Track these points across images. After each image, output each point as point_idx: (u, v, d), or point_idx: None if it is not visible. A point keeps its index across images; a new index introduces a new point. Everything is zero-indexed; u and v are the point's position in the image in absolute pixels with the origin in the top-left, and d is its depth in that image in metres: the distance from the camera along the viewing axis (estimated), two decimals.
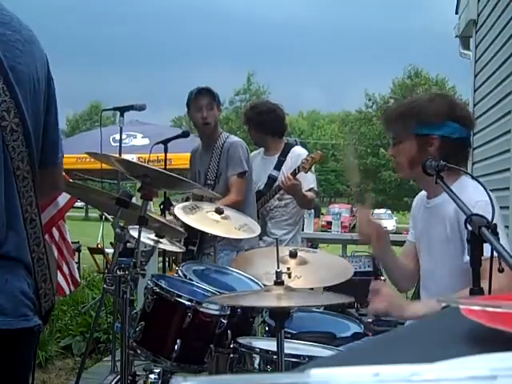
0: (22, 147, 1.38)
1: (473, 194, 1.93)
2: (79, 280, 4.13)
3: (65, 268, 3.78)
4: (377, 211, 34.61)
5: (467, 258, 1.52)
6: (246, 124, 4.10)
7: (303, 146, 4.36)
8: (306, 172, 3.60)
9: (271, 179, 3.90)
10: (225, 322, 2.27)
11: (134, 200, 2.26)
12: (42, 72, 1.47)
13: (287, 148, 3.96)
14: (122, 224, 2.14)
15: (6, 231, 1.35)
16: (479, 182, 1.89)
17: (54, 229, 3.61)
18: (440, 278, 2.13)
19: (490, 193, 1.74)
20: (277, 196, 3.83)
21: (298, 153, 3.89)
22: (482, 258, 1.46)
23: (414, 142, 2.14)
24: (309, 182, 3.80)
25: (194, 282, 2.52)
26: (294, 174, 3.58)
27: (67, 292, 3.94)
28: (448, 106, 2.15)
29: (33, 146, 1.42)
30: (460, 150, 2.14)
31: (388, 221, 32.41)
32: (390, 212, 34.22)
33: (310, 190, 3.80)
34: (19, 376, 1.44)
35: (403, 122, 2.17)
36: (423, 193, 2.35)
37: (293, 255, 2.49)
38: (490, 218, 1.52)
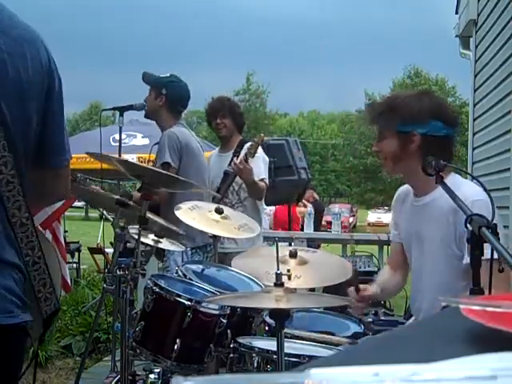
0: (4, 152, 1.35)
1: (468, 192, 1.91)
2: (71, 285, 4.04)
3: None
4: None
5: (467, 259, 1.51)
6: (221, 114, 3.94)
7: (303, 145, 4.34)
8: (252, 156, 3.60)
9: (226, 175, 3.90)
10: (225, 321, 2.27)
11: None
12: (36, 72, 1.43)
13: (241, 144, 3.95)
14: (122, 224, 2.15)
15: None
16: (479, 181, 1.90)
17: (47, 231, 3.54)
18: (438, 276, 2.10)
19: (488, 192, 1.74)
20: (235, 192, 3.83)
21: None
22: (482, 258, 1.46)
23: (396, 138, 2.14)
24: (260, 172, 3.80)
25: (194, 282, 2.52)
26: (246, 160, 3.60)
27: None
28: (433, 104, 2.13)
29: (18, 149, 1.39)
30: (443, 148, 2.06)
31: (386, 214, 34.19)
32: (387, 208, 35.46)
33: (261, 180, 3.79)
34: (8, 374, 1.43)
35: (386, 119, 2.17)
36: (405, 188, 2.31)
37: (293, 255, 2.49)
38: (489, 218, 1.50)
